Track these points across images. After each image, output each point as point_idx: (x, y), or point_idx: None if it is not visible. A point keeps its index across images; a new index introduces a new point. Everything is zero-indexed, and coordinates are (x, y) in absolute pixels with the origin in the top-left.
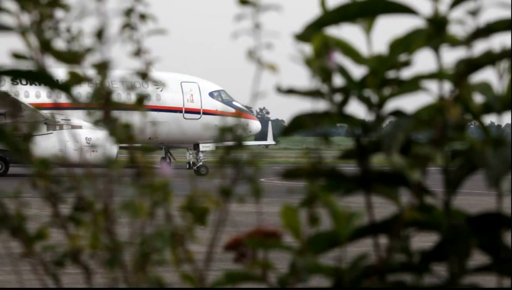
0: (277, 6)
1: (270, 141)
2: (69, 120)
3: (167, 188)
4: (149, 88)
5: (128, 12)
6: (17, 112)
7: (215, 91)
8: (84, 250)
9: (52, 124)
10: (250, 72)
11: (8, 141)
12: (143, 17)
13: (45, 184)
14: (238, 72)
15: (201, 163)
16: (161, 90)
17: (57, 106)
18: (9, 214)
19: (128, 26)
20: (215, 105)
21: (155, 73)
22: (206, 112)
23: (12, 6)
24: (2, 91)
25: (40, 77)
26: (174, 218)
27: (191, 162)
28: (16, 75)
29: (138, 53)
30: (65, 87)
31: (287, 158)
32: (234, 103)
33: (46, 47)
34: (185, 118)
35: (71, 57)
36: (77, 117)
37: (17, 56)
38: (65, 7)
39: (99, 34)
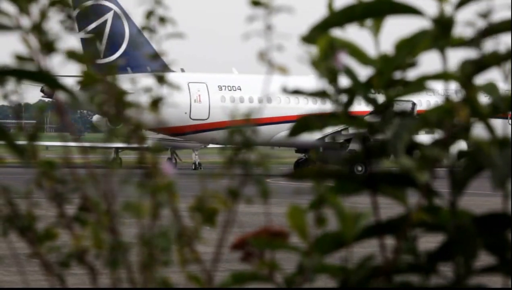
0: (289, 8)
1: None
2: None
3: (172, 188)
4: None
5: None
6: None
7: None
8: (89, 250)
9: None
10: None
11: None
12: (162, 20)
13: (51, 184)
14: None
15: None
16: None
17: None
18: (19, 214)
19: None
20: None
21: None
22: None
23: (12, 8)
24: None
25: (44, 78)
26: (182, 218)
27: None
28: (21, 76)
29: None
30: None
31: (292, 158)
32: None
33: (48, 48)
34: None
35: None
36: None
37: (19, 57)
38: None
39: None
